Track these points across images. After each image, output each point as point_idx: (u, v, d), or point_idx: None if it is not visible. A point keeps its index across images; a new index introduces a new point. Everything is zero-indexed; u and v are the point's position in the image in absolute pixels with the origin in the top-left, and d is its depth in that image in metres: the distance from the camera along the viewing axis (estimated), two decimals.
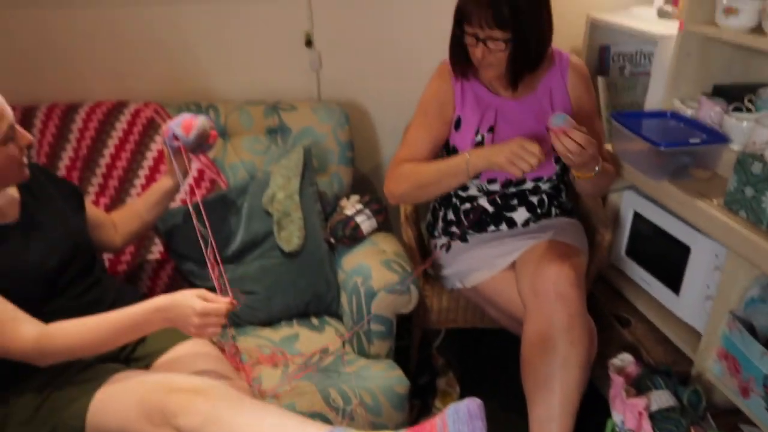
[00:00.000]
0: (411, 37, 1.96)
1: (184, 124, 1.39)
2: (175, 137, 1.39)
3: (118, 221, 1.50)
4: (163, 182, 1.49)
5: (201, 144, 1.42)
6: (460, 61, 1.45)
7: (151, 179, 1.75)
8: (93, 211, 1.47)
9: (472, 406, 1.03)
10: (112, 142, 1.76)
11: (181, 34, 1.86)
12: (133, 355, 1.34)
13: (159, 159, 1.76)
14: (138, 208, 1.51)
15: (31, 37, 1.79)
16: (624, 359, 1.46)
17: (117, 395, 1.14)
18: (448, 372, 1.79)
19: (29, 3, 1.74)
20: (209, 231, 1.35)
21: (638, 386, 1.42)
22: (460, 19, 1.36)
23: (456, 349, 1.96)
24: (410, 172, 1.49)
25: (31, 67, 1.82)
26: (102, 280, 1.38)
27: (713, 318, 1.37)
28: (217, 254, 1.33)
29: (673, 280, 1.55)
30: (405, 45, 1.97)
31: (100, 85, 1.87)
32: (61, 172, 1.72)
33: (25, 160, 1.20)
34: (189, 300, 1.14)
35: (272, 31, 1.89)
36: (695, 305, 1.50)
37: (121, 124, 1.77)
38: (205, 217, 1.36)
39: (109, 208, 1.69)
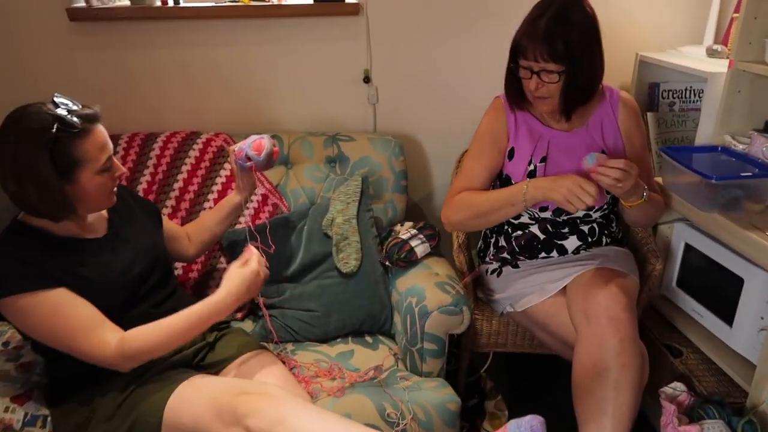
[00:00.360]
0: (461, 75, 2.07)
1: (255, 146, 1.52)
2: (248, 158, 1.51)
3: (191, 233, 1.64)
4: (233, 197, 1.62)
5: (269, 162, 1.54)
6: (515, 94, 1.54)
7: (219, 201, 1.88)
8: (169, 225, 1.60)
9: (534, 422, 1.06)
10: (185, 168, 1.90)
11: (249, 71, 2.02)
12: (203, 362, 1.43)
13: (227, 183, 1.89)
14: (209, 221, 1.64)
15: (116, 74, 1.98)
16: (676, 387, 1.47)
17: (192, 395, 1.23)
18: (497, 395, 1.82)
19: (115, 44, 1.93)
20: (260, 244, 1.50)
21: (690, 415, 1.42)
22: (516, 54, 1.45)
23: (504, 373, 1.98)
24: (467, 201, 1.56)
25: (116, 101, 2.01)
26: (176, 291, 1.50)
27: (766, 348, 1.37)
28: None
29: (726, 311, 1.56)
30: (456, 82, 2.08)
31: (176, 117, 2.05)
32: (140, 193, 1.87)
33: (115, 189, 1.33)
34: (241, 273, 1.32)
35: (334, 69, 2.03)
36: (749, 336, 1.50)
37: (193, 152, 1.92)
38: (259, 242, 1.51)
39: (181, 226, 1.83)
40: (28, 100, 1.24)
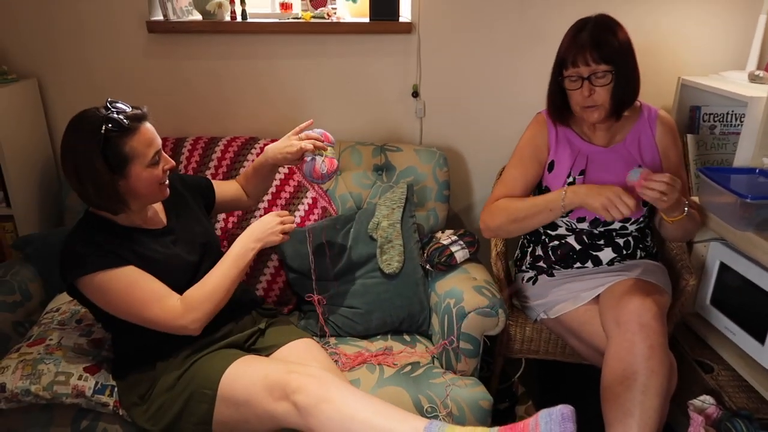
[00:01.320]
0: (504, 93, 2.18)
1: (321, 172, 1.55)
2: (322, 177, 1.55)
3: (243, 183, 1.76)
4: (271, 159, 1.64)
5: (322, 177, 1.58)
6: (558, 109, 1.62)
7: (272, 203, 2.01)
8: (223, 190, 1.72)
9: (565, 410, 1.13)
10: (243, 170, 2.05)
11: (307, 82, 2.16)
12: (255, 346, 1.56)
13: (280, 186, 2.03)
14: (250, 170, 1.73)
15: (186, 82, 2.15)
16: (705, 400, 1.50)
17: (245, 370, 1.35)
18: (528, 401, 1.88)
19: (186, 55, 2.11)
20: (310, 250, 1.64)
21: (718, 428, 1.46)
22: (562, 66, 1.55)
23: (536, 380, 2.04)
24: (506, 207, 1.64)
25: (184, 106, 2.17)
26: None
27: None
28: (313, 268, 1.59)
29: (759, 329, 1.59)
30: (498, 99, 2.18)
31: (237, 123, 2.20)
32: None
33: (166, 181, 1.45)
34: (264, 219, 1.53)
35: (385, 83, 2.16)
36: None
37: (252, 156, 2.06)
38: (309, 242, 1.66)
39: (236, 226, 1.97)
40: (102, 103, 1.37)
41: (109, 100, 1.36)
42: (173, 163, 1.45)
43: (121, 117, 1.32)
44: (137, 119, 1.36)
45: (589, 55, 1.48)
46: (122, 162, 1.34)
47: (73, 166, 1.33)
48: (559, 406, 1.13)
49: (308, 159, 1.56)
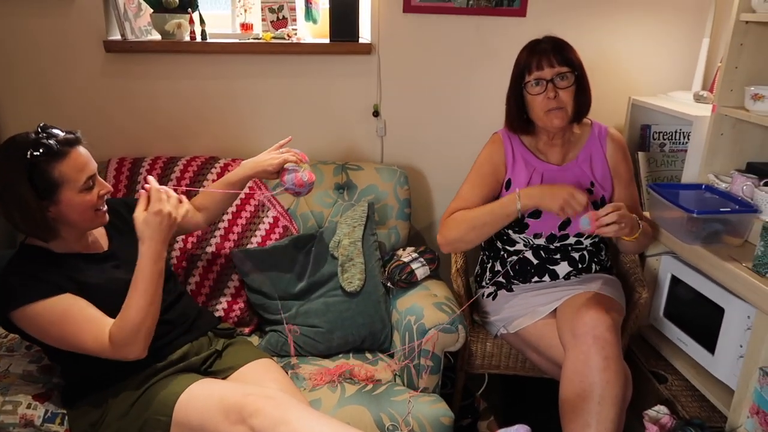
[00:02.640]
0: (463, 111, 2.23)
1: (298, 181, 1.54)
2: (286, 173, 1.55)
3: (198, 205, 1.68)
4: (241, 173, 1.62)
5: (295, 191, 1.57)
6: (517, 121, 1.67)
7: (233, 223, 2.00)
8: None
9: (521, 430, 1.15)
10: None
11: (267, 102, 2.16)
12: (211, 369, 1.53)
13: (241, 206, 2.01)
14: (214, 194, 1.68)
15: (144, 102, 2.12)
16: (659, 410, 1.54)
17: (200, 395, 1.32)
18: (490, 416, 1.89)
19: (144, 75, 2.09)
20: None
21: None
22: (522, 74, 1.60)
23: (498, 395, 2.05)
24: (463, 218, 1.67)
25: (143, 127, 2.14)
26: (183, 297, 1.59)
27: (744, 374, 1.45)
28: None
29: (709, 340, 1.64)
30: (458, 118, 2.24)
31: (196, 143, 2.18)
32: None
33: (103, 207, 1.41)
34: (146, 218, 1.33)
35: (346, 102, 2.18)
36: (729, 364, 1.58)
37: (212, 175, 2.04)
38: None
39: (195, 247, 1.94)
40: (63, 124, 1.36)
41: (41, 124, 1.33)
42: (110, 188, 1.41)
43: (51, 141, 1.29)
44: (68, 143, 1.32)
45: (553, 57, 1.57)
46: (51, 187, 1.30)
47: None
48: (516, 426, 1.15)
49: (290, 169, 1.58)
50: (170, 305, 1.53)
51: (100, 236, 1.51)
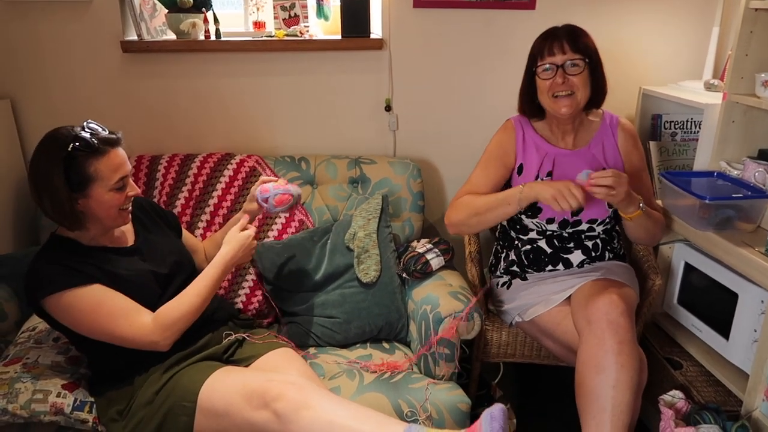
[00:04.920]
0: (475, 104, 2.25)
1: (278, 200, 1.63)
2: (265, 200, 1.63)
3: (207, 248, 1.79)
4: (239, 216, 1.71)
5: (283, 212, 1.67)
6: (529, 106, 1.70)
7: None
8: (189, 237, 1.76)
9: (494, 410, 1.24)
10: (219, 186, 2.06)
11: (280, 99, 2.20)
12: (233, 357, 1.56)
13: None
14: (219, 237, 1.73)
15: (161, 101, 2.17)
16: (674, 395, 1.56)
17: (224, 381, 1.36)
18: (506, 403, 1.91)
19: (161, 74, 2.13)
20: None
21: (687, 421, 1.51)
22: (535, 57, 1.63)
23: (514, 383, 2.07)
24: (468, 202, 1.70)
25: (160, 124, 2.19)
26: None
27: (758, 358, 1.47)
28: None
29: (723, 325, 1.66)
30: (469, 111, 2.26)
31: (212, 140, 2.22)
32: (177, 209, 2.03)
33: (128, 207, 1.46)
34: (238, 237, 1.55)
35: (358, 98, 2.21)
36: (744, 349, 1.59)
37: (228, 172, 2.08)
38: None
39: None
40: (80, 122, 1.40)
41: (87, 120, 1.39)
42: (138, 191, 1.48)
43: (92, 138, 1.34)
44: (109, 143, 1.38)
45: (566, 43, 1.58)
46: (84, 181, 1.35)
47: (33, 179, 1.36)
48: (492, 406, 1.20)
49: (262, 200, 1.64)
50: None
51: (127, 230, 1.56)
